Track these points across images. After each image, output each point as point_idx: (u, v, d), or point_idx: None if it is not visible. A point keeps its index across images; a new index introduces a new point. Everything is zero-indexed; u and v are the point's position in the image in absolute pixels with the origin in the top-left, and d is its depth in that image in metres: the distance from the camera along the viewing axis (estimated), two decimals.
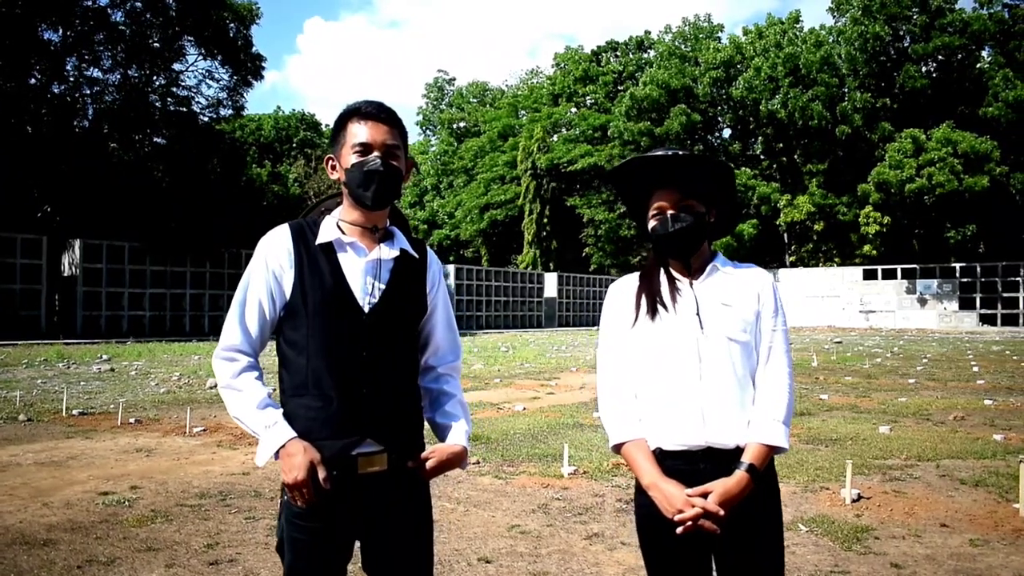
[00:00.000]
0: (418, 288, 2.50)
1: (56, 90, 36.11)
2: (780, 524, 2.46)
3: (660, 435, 2.41)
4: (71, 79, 36.56)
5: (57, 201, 36.35)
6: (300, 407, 2.33)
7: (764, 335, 2.46)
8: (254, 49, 40.29)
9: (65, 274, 33.17)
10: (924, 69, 54.55)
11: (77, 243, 32.43)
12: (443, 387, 2.58)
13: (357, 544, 2.44)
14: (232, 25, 38.91)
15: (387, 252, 2.43)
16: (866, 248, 52.55)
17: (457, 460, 2.46)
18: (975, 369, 18.74)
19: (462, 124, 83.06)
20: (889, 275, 54.01)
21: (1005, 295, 50.29)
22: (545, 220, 63.70)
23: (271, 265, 2.37)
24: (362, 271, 2.38)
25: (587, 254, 65.23)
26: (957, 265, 51.91)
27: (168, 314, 35.01)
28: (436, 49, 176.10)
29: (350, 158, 2.38)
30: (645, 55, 71.06)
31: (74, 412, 10.73)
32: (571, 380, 16.25)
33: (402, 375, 2.44)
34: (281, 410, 2.33)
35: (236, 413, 2.34)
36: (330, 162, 2.46)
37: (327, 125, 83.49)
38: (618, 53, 72.91)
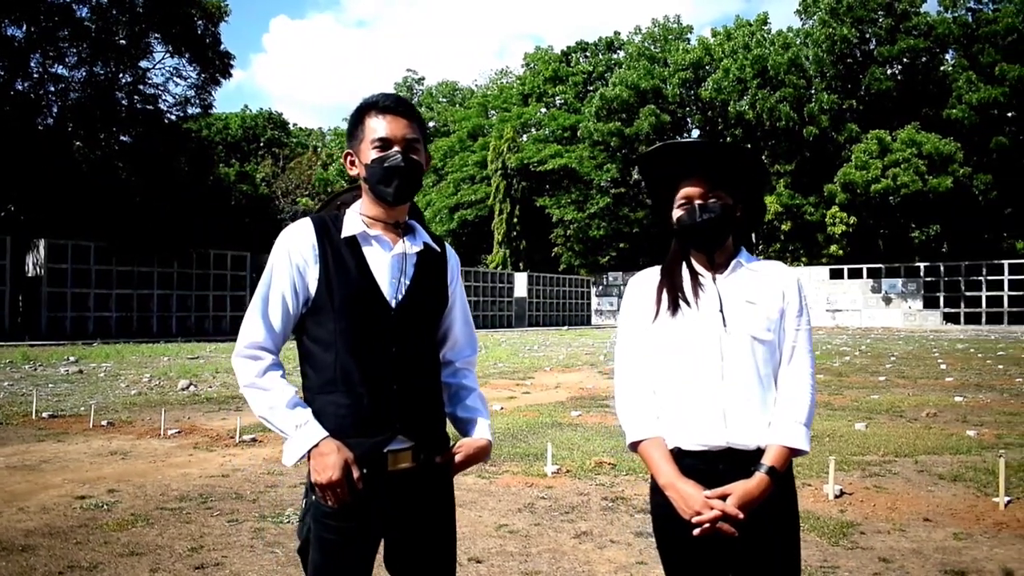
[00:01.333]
0: (440, 282, 2.48)
1: (20, 87, 35.47)
2: (797, 526, 2.42)
3: (679, 434, 2.36)
4: (35, 76, 35.96)
5: (21, 200, 35.76)
6: (329, 404, 2.28)
7: (788, 334, 2.41)
8: (222, 47, 39.88)
9: (29, 274, 32.61)
10: (889, 71, 55.30)
11: (41, 243, 31.87)
12: (462, 381, 2.57)
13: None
14: (200, 22, 38.46)
15: (411, 246, 2.41)
16: (832, 248, 53.15)
17: (483, 454, 2.47)
18: (942, 367, 18.99)
19: (432, 124, 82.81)
20: (855, 274, 54.64)
21: (968, 294, 51.10)
22: (515, 220, 63.66)
23: (294, 259, 2.31)
24: (389, 266, 2.35)
25: (557, 254, 65.34)
26: (921, 265, 52.64)
27: (135, 315, 34.54)
28: (404, 49, 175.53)
29: (370, 153, 2.33)
30: (614, 56, 71.34)
31: (44, 415, 10.53)
32: (546, 380, 16.24)
33: (428, 370, 2.43)
34: (310, 409, 2.28)
35: (263, 413, 2.27)
36: (348, 157, 2.42)
37: (295, 124, 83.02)
38: (587, 54, 73.12)
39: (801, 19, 60.05)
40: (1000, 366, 18.97)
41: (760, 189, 2.56)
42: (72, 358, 20.45)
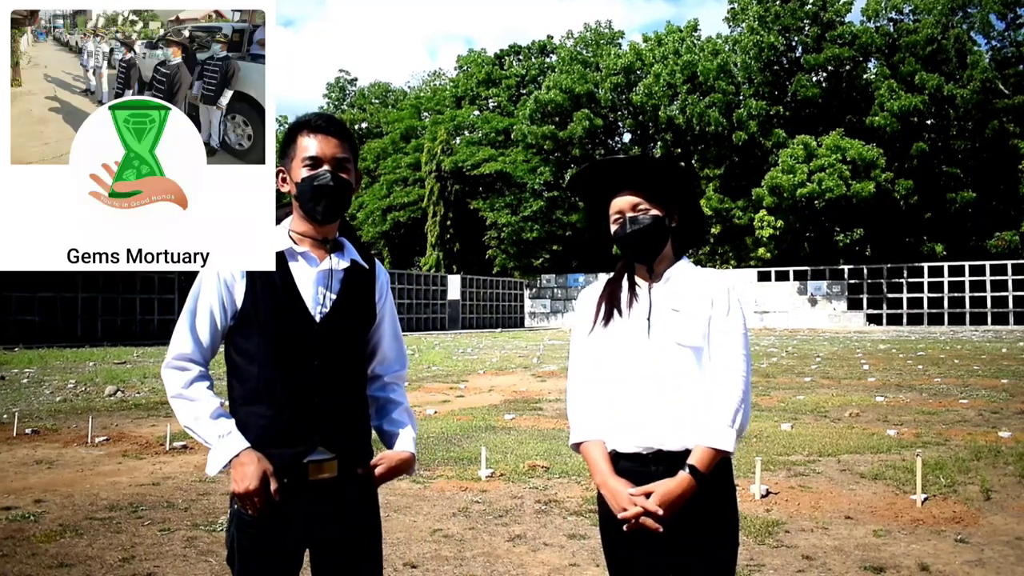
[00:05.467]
0: (367, 298, 2.53)
1: None
2: (736, 524, 2.54)
3: (615, 437, 2.49)
4: None
5: None
6: (252, 415, 2.35)
7: (715, 339, 2.49)
8: None
9: None
10: (815, 79, 56.79)
11: None
12: (390, 395, 2.62)
13: (307, 553, 2.46)
14: None
15: (338, 263, 2.46)
16: (760, 251, 54.26)
17: (406, 466, 2.51)
18: (865, 367, 19.55)
19: (364, 125, 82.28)
20: (782, 277, 55.89)
21: (890, 296, 52.72)
22: (449, 222, 63.65)
23: (223, 274, 2.37)
24: (314, 281, 2.41)
25: (490, 256, 65.45)
26: (845, 267, 54.11)
27: (59, 319, 33.56)
28: (334, 49, 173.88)
29: (300, 172, 2.39)
30: (547, 59, 71.79)
31: None
32: (479, 383, 16.29)
33: (352, 384, 2.48)
34: (233, 420, 2.33)
35: (188, 423, 2.34)
36: (280, 174, 2.47)
37: None
38: (521, 57, 73.46)
39: (730, 26, 61.33)
40: (920, 366, 19.61)
41: (694, 198, 2.67)
42: None
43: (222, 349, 2.50)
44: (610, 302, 2.56)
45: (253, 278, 2.37)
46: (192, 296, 2.41)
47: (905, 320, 52.05)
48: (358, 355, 2.52)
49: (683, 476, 2.38)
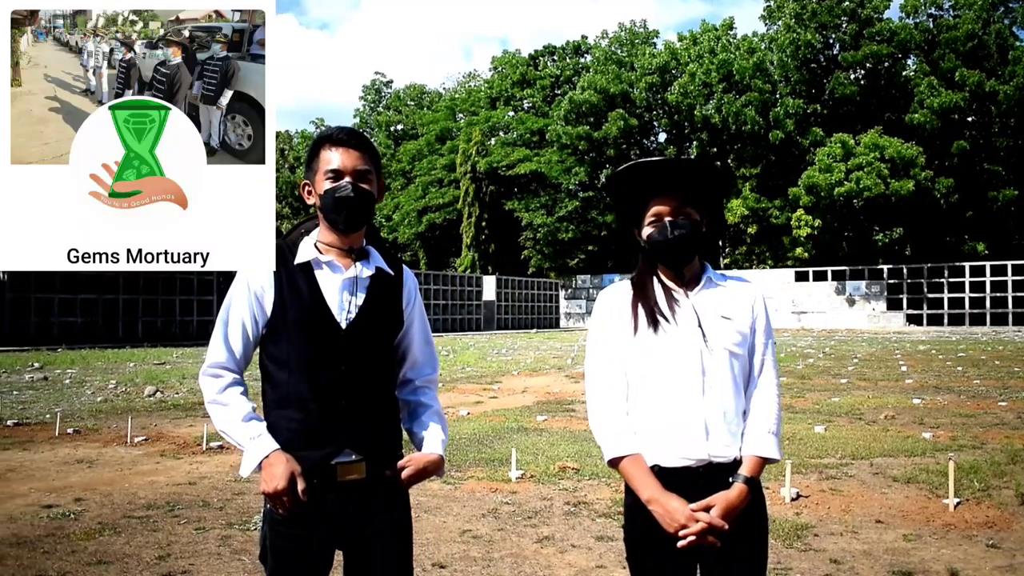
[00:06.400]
0: (394, 304, 2.60)
1: None
2: (766, 532, 2.50)
3: (660, 452, 2.40)
4: None
5: None
6: (282, 419, 2.45)
7: (758, 348, 2.49)
8: None
9: None
10: (853, 76, 56.18)
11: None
12: (420, 399, 2.69)
13: (339, 555, 2.54)
14: None
15: (363, 270, 2.54)
16: (798, 251, 53.77)
17: (434, 468, 2.56)
18: (903, 368, 19.33)
19: (400, 126, 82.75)
20: (820, 277, 55.31)
21: (930, 296, 51.96)
22: (484, 223, 63.81)
23: (252, 286, 2.48)
24: (339, 289, 2.49)
25: (526, 257, 65.50)
26: (885, 267, 53.42)
27: (100, 320, 34.14)
28: (369, 51, 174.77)
29: (323, 184, 2.48)
30: (582, 60, 71.70)
31: (8, 423, 10.47)
32: (513, 384, 16.34)
33: (380, 388, 2.56)
34: (264, 423, 2.43)
35: (222, 426, 2.45)
36: (306, 187, 2.57)
37: None
38: (555, 57, 73.42)
39: (766, 24, 60.86)
40: (959, 368, 19.34)
41: (721, 202, 2.66)
42: (36, 364, 20.25)
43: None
44: (649, 307, 2.46)
45: (281, 288, 2.47)
46: (225, 308, 2.52)
47: (946, 320, 51.27)
48: (385, 360, 2.59)
49: (740, 487, 2.36)
